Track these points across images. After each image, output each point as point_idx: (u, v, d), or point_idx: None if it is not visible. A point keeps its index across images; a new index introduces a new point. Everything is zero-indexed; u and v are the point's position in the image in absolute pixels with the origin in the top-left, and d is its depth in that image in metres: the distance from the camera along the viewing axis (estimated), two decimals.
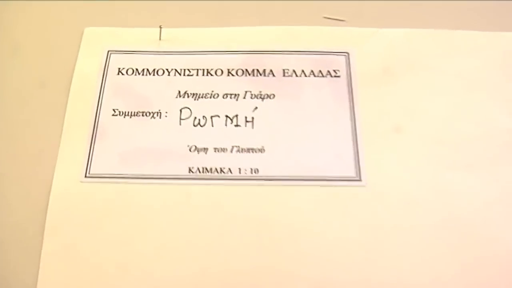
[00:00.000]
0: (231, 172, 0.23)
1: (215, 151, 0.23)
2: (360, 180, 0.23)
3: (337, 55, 0.25)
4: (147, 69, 0.25)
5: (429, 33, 0.26)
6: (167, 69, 0.25)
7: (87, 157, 0.23)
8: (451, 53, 0.26)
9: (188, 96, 0.24)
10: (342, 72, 0.25)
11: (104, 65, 0.25)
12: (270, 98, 0.24)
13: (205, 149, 0.23)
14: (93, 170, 0.22)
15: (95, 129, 0.23)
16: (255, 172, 0.23)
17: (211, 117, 0.24)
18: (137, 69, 0.25)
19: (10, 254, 0.22)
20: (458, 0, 0.28)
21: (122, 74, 0.25)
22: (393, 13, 0.28)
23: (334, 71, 0.25)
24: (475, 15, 0.28)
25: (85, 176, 0.22)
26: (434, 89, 0.25)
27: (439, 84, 0.25)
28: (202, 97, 0.24)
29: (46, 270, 0.21)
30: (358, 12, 0.27)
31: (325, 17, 0.27)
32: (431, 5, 0.28)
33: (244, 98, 0.24)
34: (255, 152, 0.23)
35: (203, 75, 0.25)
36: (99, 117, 0.24)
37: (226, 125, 0.24)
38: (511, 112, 0.25)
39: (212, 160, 0.23)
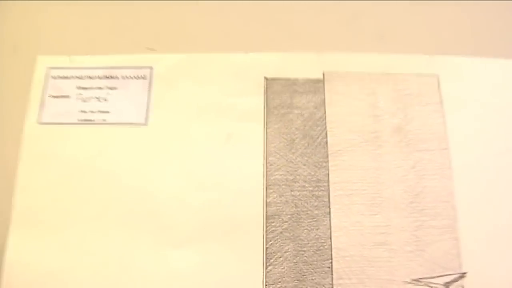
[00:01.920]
0: (95, 120, 0.54)
1: (91, 112, 0.54)
2: (146, 124, 0.53)
3: (145, 68, 0.55)
4: (64, 76, 0.56)
5: (199, 57, 0.56)
6: (72, 76, 0.56)
7: (37, 115, 0.54)
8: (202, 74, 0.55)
9: (81, 89, 0.55)
10: (147, 77, 0.55)
11: (43, 73, 0.56)
12: (116, 89, 0.55)
13: (86, 112, 0.54)
14: (42, 120, 0.54)
15: (41, 103, 0.55)
16: (105, 120, 0.54)
17: (89, 97, 0.55)
18: (59, 76, 0.56)
19: None
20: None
21: (54, 78, 0.56)
22: (183, 41, 0.57)
23: (144, 75, 0.55)
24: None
25: (38, 123, 0.54)
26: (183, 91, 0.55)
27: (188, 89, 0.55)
28: (87, 88, 0.55)
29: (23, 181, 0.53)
30: (169, 43, 0.57)
31: (147, 48, 0.57)
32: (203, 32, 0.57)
33: (103, 89, 0.55)
34: (105, 113, 0.54)
35: (87, 78, 0.56)
36: (43, 98, 0.55)
37: (96, 101, 0.55)
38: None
39: (89, 116, 0.54)
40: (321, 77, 0.54)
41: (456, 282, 0.49)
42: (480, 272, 0.49)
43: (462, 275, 0.49)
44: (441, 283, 0.49)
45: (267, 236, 0.49)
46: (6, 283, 0.48)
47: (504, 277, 0.49)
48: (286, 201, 0.50)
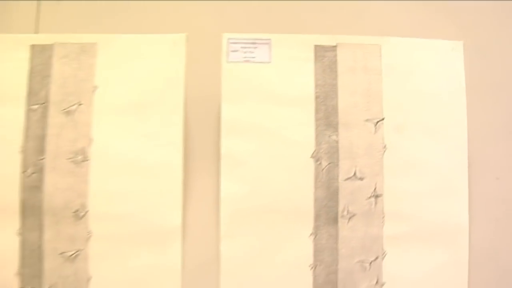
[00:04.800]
0: (250, 60, 1.36)
1: (247, 57, 1.36)
2: (270, 62, 1.36)
3: (267, 39, 1.37)
4: (235, 42, 1.37)
5: None
6: (238, 42, 1.37)
7: (226, 58, 1.35)
8: None
9: (243, 47, 1.36)
10: (269, 43, 1.37)
11: (226, 41, 1.36)
12: (256, 48, 1.37)
13: (246, 57, 1.36)
14: (229, 60, 1.35)
15: (227, 54, 1.35)
16: (254, 60, 1.36)
17: (246, 51, 1.36)
18: (233, 42, 1.36)
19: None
20: None
21: (230, 43, 1.36)
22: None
23: (267, 42, 1.37)
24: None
25: (227, 62, 1.35)
26: None
27: None
28: (244, 47, 1.36)
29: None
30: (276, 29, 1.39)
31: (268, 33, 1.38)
32: None
33: (250, 48, 1.37)
34: (253, 57, 1.36)
35: (243, 43, 1.37)
36: (228, 51, 1.35)
37: (249, 53, 1.36)
38: None
39: (247, 59, 1.36)
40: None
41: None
42: None
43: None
44: None
45: None
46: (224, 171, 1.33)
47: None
48: None
